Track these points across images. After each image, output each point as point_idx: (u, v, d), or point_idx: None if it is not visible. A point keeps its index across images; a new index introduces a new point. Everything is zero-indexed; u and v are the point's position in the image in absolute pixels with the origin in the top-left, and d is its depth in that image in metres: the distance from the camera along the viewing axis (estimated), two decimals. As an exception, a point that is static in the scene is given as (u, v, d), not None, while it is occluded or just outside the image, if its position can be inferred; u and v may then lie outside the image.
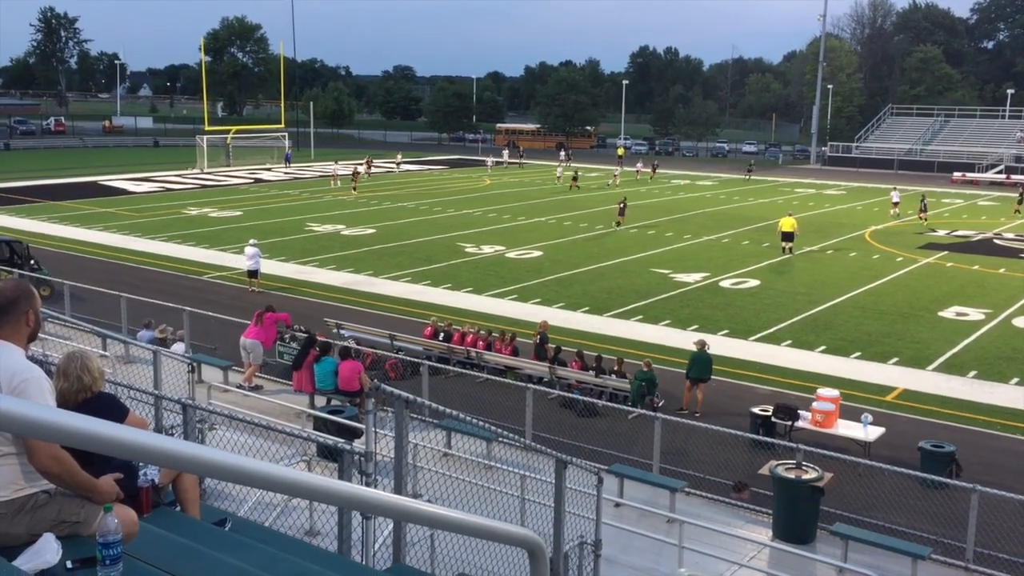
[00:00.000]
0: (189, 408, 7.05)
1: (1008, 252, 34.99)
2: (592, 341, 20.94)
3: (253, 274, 26.22)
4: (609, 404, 16.49)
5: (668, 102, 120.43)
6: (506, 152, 75.93)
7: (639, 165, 62.52)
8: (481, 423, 7.60)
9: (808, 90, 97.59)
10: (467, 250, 33.24)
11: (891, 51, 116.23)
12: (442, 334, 19.92)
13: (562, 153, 77.72)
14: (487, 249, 33.51)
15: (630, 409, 15.95)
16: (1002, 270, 31.16)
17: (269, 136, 69.81)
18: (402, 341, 19.94)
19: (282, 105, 74.80)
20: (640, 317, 24.03)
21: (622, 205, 39.84)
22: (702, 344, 17.58)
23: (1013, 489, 11.79)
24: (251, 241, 27.00)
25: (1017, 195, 48.82)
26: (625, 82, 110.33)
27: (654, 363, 17.68)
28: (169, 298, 21.77)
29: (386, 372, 18.40)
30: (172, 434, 7.50)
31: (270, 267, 28.15)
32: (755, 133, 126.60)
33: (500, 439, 12.40)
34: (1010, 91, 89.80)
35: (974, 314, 24.66)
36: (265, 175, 60.75)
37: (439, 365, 18.47)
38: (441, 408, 6.70)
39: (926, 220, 42.31)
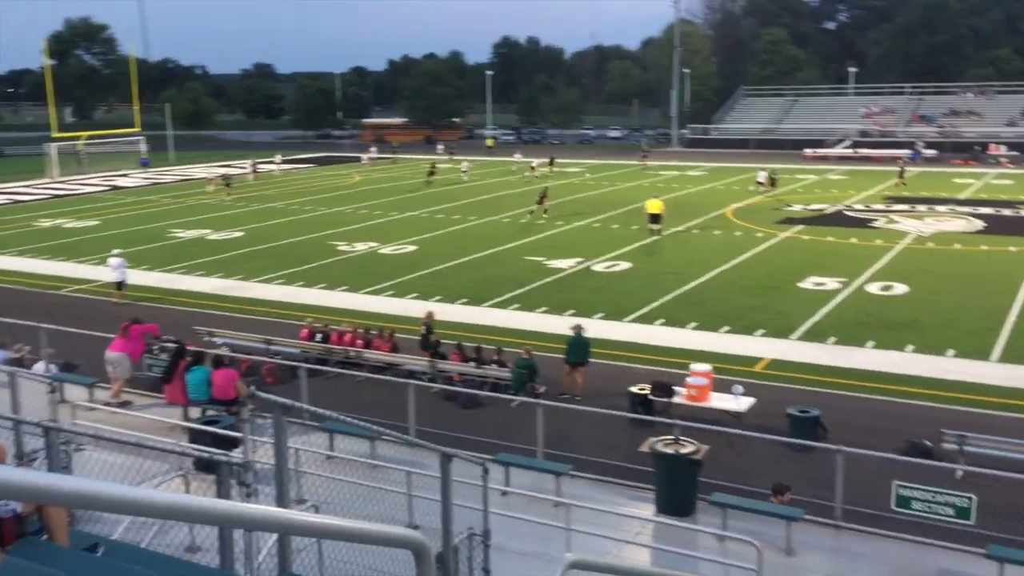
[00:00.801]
0: (52, 431, 6.71)
1: (858, 223, 36.93)
2: (471, 332, 21.01)
3: (119, 285, 25.15)
4: (491, 394, 16.60)
5: (533, 91, 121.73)
6: (374, 148, 74.98)
7: (517, 156, 62.36)
8: (364, 423, 7.53)
9: (666, 75, 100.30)
10: (340, 248, 32.77)
11: (742, 35, 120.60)
12: (319, 335, 19.60)
13: (440, 146, 77.11)
14: (361, 246, 33.12)
15: (512, 397, 16.09)
16: (854, 240, 32.88)
17: (124, 141, 66.90)
18: (278, 345, 19.52)
19: (135, 108, 71.72)
20: (518, 305, 24.25)
21: (543, 194, 39.36)
22: (578, 328, 17.89)
23: (873, 447, 12.49)
24: (114, 251, 25.87)
25: (898, 168, 51.35)
26: (489, 73, 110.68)
27: (534, 350, 17.88)
28: (25, 315, 20.62)
29: (263, 377, 17.98)
30: (34, 459, 7.14)
31: (134, 277, 27.02)
32: (619, 119, 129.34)
33: (384, 437, 12.32)
34: (852, 70, 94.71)
35: (831, 283, 25.93)
36: (122, 181, 58.24)
37: (318, 367, 18.16)
38: (321, 411, 6.61)
39: (770, 193, 44.62)
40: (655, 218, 34.25)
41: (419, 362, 18.32)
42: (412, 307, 23.59)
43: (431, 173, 54.51)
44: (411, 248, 32.71)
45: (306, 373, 16.53)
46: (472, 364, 17.92)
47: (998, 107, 79.97)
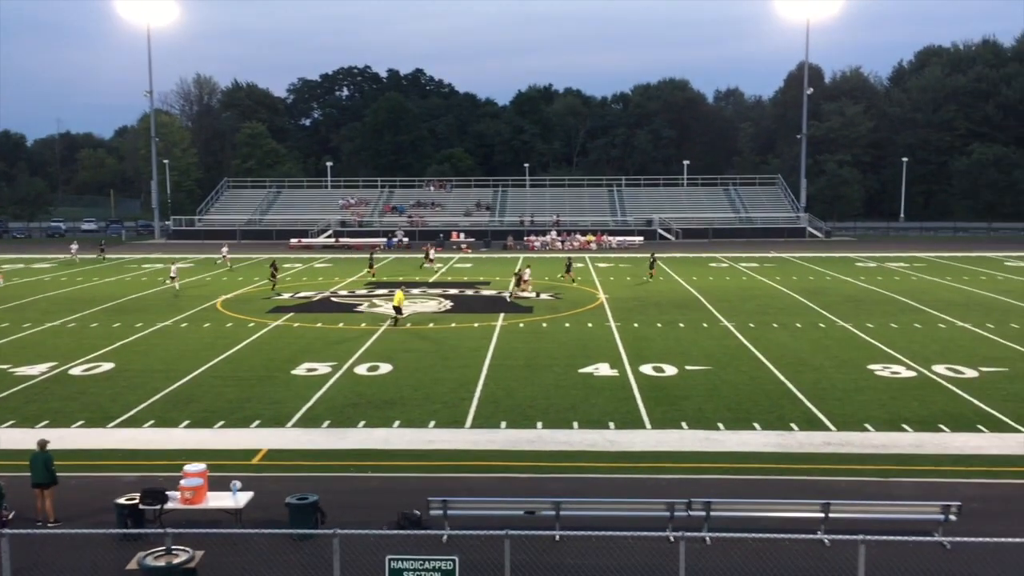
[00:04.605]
0: None
1: (344, 308, 38.69)
2: (-86, 461, 17.78)
3: None
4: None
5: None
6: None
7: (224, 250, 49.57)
8: None
9: (144, 165, 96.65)
10: None
11: (221, 127, 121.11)
12: None
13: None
14: None
15: (-29, 532, 13.84)
16: (341, 324, 34.33)
17: None
18: None
19: None
20: (-24, 423, 21.15)
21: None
22: (42, 444, 16.02)
23: (369, 524, 12.98)
24: None
25: (649, 261, 50.04)
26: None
27: (-2, 473, 15.66)
28: None
29: None
30: None
31: None
32: (94, 210, 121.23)
33: None
34: (329, 164, 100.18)
35: (322, 368, 26.69)
36: None
37: None
38: None
39: (274, 285, 45.05)
40: (399, 309, 34.66)
41: None
42: None
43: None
44: None
45: None
46: (-84, 499, 15.13)
47: (456, 199, 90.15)
